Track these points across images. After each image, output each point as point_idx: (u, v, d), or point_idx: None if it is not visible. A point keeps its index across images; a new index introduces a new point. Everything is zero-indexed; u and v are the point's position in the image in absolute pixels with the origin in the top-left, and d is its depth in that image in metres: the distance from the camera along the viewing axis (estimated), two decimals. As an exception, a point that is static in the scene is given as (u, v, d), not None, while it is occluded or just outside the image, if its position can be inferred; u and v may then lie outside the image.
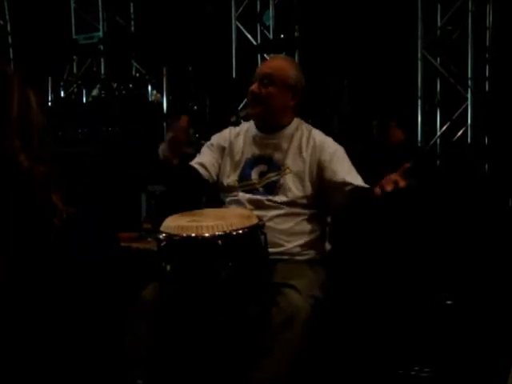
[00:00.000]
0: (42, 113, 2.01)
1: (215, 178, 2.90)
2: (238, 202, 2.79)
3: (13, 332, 1.90)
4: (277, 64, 2.88)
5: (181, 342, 2.56)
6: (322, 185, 2.75)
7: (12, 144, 1.89)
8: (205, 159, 2.90)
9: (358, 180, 2.71)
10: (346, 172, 2.72)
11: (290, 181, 2.74)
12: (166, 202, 4.08)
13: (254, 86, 2.81)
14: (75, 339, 2.04)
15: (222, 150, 2.91)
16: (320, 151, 2.76)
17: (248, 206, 2.75)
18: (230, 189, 2.84)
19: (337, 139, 2.89)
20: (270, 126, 2.84)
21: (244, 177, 2.82)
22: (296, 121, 2.88)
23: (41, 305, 1.94)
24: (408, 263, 3.78)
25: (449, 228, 4.08)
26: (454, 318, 3.36)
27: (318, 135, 2.84)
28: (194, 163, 2.89)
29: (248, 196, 2.77)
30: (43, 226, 1.89)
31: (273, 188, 2.75)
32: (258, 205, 2.74)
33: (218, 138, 2.96)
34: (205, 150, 2.96)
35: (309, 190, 2.75)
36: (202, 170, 2.86)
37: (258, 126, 2.88)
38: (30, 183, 1.88)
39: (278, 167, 2.78)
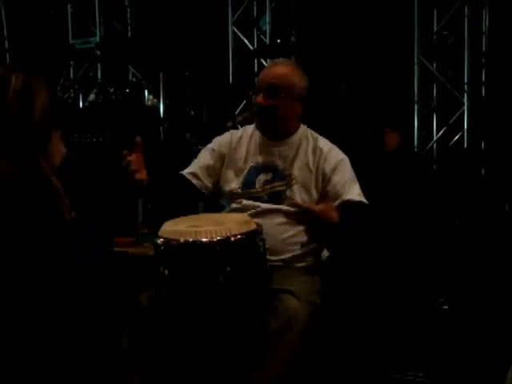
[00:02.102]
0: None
1: (209, 184, 2.88)
2: (242, 209, 2.77)
3: (12, 333, 1.90)
4: (281, 73, 2.79)
5: (178, 347, 2.56)
6: (323, 195, 2.76)
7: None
8: (199, 167, 2.88)
9: (351, 193, 2.70)
10: (341, 184, 2.71)
11: (296, 192, 2.73)
12: (163, 207, 4.09)
13: (260, 98, 2.75)
14: (74, 341, 2.04)
15: (223, 156, 2.87)
16: (324, 161, 2.76)
17: (251, 212, 2.74)
18: (233, 195, 2.81)
19: (333, 142, 2.89)
20: (278, 134, 2.82)
21: (248, 184, 2.79)
22: (302, 128, 2.86)
23: (39, 305, 1.94)
24: (404, 268, 3.78)
25: (445, 232, 4.08)
26: (451, 322, 3.37)
27: (324, 144, 2.81)
28: (187, 172, 2.88)
29: (251, 203, 2.76)
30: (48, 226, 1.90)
31: (278, 198, 2.74)
32: (260, 212, 2.73)
33: (219, 144, 2.91)
34: (204, 153, 2.91)
35: (315, 200, 2.74)
36: (194, 180, 2.86)
37: (264, 134, 2.85)
38: (10, 189, 1.89)
39: (283, 177, 2.77)
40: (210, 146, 2.94)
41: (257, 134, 2.87)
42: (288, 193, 2.74)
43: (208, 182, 2.88)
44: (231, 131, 2.98)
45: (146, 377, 2.57)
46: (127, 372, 2.56)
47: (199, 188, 2.87)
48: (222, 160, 2.86)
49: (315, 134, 2.86)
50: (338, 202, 2.68)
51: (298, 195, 2.73)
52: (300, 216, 2.55)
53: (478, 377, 2.95)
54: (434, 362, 3.14)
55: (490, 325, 3.23)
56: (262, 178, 2.79)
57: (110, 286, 2.22)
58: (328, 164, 2.74)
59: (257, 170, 2.81)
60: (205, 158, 2.90)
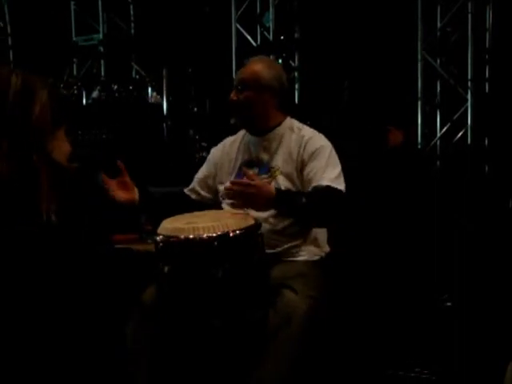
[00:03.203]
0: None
1: (208, 195, 3.00)
2: (234, 205, 2.79)
3: (13, 333, 1.90)
4: (250, 68, 2.87)
5: (180, 344, 2.57)
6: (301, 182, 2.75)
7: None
8: (197, 181, 3.02)
9: (323, 179, 2.66)
10: (315, 170, 2.69)
11: (280, 183, 2.74)
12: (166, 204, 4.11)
13: (232, 94, 2.84)
14: (75, 340, 2.04)
15: (215, 164, 2.97)
16: (304, 149, 2.75)
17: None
18: (226, 194, 2.85)
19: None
20: (259, 129, 2.85)
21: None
22: (288, 121, 2.87)
23: (39, 305, 1.94)
24: (407, 265, 3.78)
25: (448, 229, 4.08)
26: (454, 319, 3.36)
27: (306, 133, 2.81)
28: (187, 189, 3.02)
29: None
30: (32, 233, 1.90)
31: None
32: None
33: (213, 152, 3.04)
34: (204, 166, 3.05)
35: (298, 189, 2.74)
36: (193, 196, 3.01)
37: (248, 131, 2.90)
38: (7, 187, 1.89)
39: (267, 169, 2.79)
40: (209, 155, 3.08)
41: (247, 133, 2.91)
42: (273, 184, 2.73)
43: (207, 194, 3.01)
44: (226, 139, 3.06)
45: (148, 374, 2.57)
46: (130, 369, 2.57)
47: (200, 201, 2.99)
48: (215, 168, 2.96)
49: (300, 125, 2.87)
50: (309, 189, 2.68)
51: (282, 185, 2.74)
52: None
53: (481, 373, 2.95)
54: (437, 358, 3.14)
55: (493, 322, 3.23)
56: (249, 173, 2.80)
57: (112, 284, 2.22)
58: (306, 151, 2.74)
59: (245, 166, 2.83)
60: (202, 170, 3.04)
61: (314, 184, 2.66)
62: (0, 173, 1.88)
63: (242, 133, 2.97)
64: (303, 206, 2.58)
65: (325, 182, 2.63)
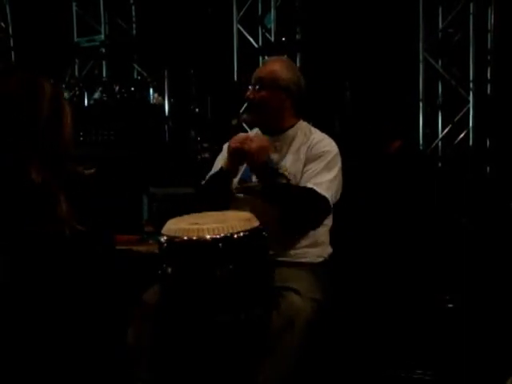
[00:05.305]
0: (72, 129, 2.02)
1: None
2: (238, 204, 2.79)
3: (15, 334, 1.91)
4: (268, 67, 2.88)
5: (182, 344, 2.57)
6: None
7: (27, 156, 1.90)
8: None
9: (312, 182, 2.69)
10: (311, 171, 2.72)
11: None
12: (167, 205, 4.10)
13: (248, 92, 2.84)
14: (77, 340, 2.04)
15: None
16: (310, 151, 2.77)
17: (248, 206, 2.75)
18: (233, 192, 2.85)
19: (337, 141, 2.89)
20: (272, 129, 2.85)
21: (244, 179, 2.83)
22: (300, 123, 2.88)
23: (44, 307, 1.94)
24: (409, 266, 3.78)
25: (450, 230, 4.08)
26: (456, 320, 3.36)
27: (316, 136, 2.83)
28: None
29: (247, 197, 2.78)
30: (47, 237, 1.90)
31: None
32: (257, 206, 2.74)
33: (226, 149, 2.96)
34: (217, 163, 2.99)
35: None
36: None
37: (261, 130, 2.90)
38: (38, 196, 1.89)
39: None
40: (221, 153, 3.02)
41: (259, 132, 2.91)
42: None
43: None
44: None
45: (149, 374, 2.57)
46: (131, 369, 2.57)
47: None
48: None
49: (313, 129, 2.88)
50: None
51: None
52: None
53: (483, 374, 2.95)
54: (439, 359, 3.13)
55: (495, 323, 3.23)
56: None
57: (113, 284, 2.22)
58: (311, 152, 2.77)
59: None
60: (218, 167, 2.96)
61: (303, 184, 2.70)
62: (36, 182, 1.88)
63: (254, 131, 2.98)
64: (281, 188, 2.67)
65: (310, 185, 2.66)
